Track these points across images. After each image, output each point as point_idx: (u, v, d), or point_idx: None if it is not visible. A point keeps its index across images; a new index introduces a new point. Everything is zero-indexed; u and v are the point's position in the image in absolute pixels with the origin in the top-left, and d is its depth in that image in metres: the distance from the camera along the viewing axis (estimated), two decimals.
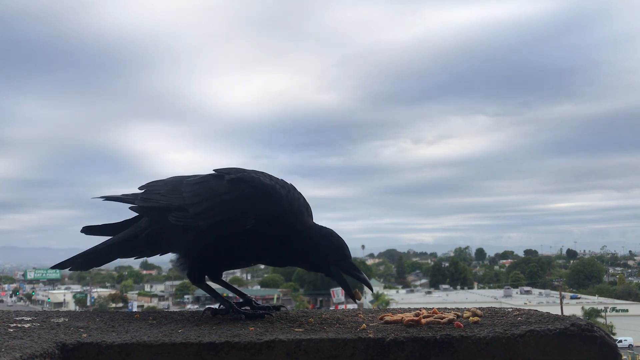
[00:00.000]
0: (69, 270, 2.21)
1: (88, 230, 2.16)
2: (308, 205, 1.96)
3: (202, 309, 1.95)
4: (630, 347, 38.38)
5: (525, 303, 50.14)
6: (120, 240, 2.06)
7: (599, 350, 1.39)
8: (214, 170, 2.00)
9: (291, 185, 1.96)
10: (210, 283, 2.04)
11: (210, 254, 1.91)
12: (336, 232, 1.90)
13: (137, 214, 2.07)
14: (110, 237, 2.10)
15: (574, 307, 46.39)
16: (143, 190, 2.06)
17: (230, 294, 2.11)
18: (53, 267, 2.25)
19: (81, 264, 2.15)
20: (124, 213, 2.11)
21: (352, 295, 1.85)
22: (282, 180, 1.95)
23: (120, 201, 2.08)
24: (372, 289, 2.08)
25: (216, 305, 1.91)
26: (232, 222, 1.82)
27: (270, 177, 1.94)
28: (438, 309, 1.78)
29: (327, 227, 1.92)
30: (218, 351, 1.39)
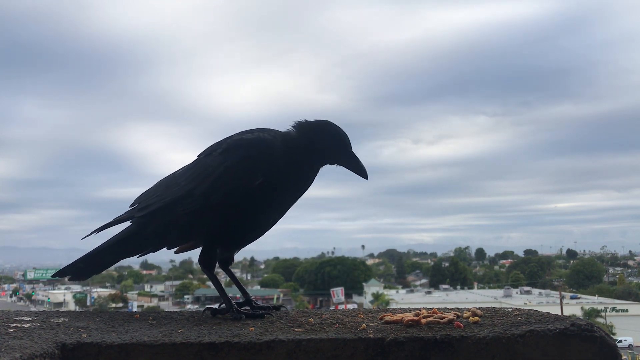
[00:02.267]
0: (68, 279, 2.15)
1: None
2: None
3: (202, 309, 1.96)
4: (630, 347, 38.34)
5: (525, 303, 50.08)
6: (123, 237, 2.01)
7: (599, 350, 1.39)
8: (197, 155, 2.04)
9: (263, 128, 2.01)
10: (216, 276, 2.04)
11: (232, 227, 1.91)
12: (333, 122, 1.99)
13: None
14: (110, 239, 2.04)
15: (574, 307, 46.33)
16: (136, 205, 2.03)
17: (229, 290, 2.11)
18: (53, 276, 2.24)
19: (81, 271, 2.10)
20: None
21: (365, 174, 1.99)
22: (257, 128, 2.00)
23: (115, 224, 2.03)
24: (366, 176, 2.02)
25: (216, 306, 1.92)
26: (242, 185, 1.84)
27: (249, 131, 1.99)
28: (438, 309, 1.78)
29: (323, 119, 2.00)
30: (218, 351, 1.39)
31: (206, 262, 1.95)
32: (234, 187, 1.85)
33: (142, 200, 2.02)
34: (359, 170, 2.01)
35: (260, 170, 1.85)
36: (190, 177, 1.93)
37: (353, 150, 2.01)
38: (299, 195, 2.01)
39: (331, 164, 2.03)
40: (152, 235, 1.98)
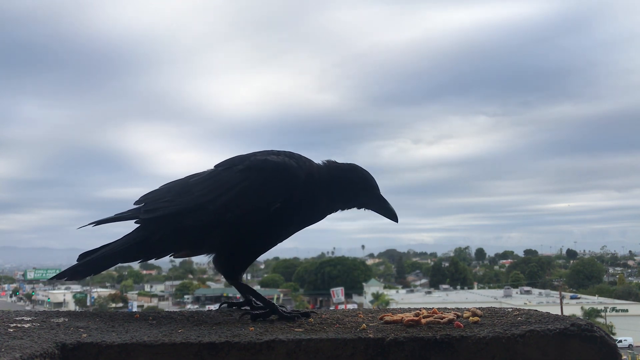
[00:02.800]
0: (65, 281, 2.09)
1: (85, 257, 2.01)
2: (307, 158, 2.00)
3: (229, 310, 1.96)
4: (630, 347, 38.34)
5: (525, 303, 50.08)
6: (128, 245, 1.94)
7: (599, 350, 1.39)
8: (214, 166, 1.98)
9: (288, 152, 1.97)
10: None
11: (243, 245, 1.89)
12: (359, 165, 2.00)
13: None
14: (113, 242, 1.98)
15: (574, 307, 46.32)
16: (142, 204, 1.96)
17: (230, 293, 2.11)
18: (51, 279, 2.21)
19: (79, 274, 2.03)
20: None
21: (395, 218, 1.98)
22: (283, 151, 1.97)
23: (114, 221, 1.97)
24: (397, 220, 2.01)
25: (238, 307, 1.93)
26: (258, 209, 1.82)
27: (274, 152, 1.94)
28: (438, 309, 1.78)
29: (350, 162, 2.00)
30: (218, 351, 1.39)
31: (229, 273, 1.93)
32: (249, 208, 1.81)
33: (149, 202, 1.95)
34: (388, 213, 1.99)
35: (279, 197, 1.82)
36: (206, 189, 1.87)
37: (381, 193, 2.00)
38: (306, 226, 2.00)
39: (358, 208, 2.02)
40: (159, 243, 1.92)
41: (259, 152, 1.97)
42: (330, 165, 1.98)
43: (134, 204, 2.00)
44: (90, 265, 2.01)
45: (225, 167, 1.93)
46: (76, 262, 2.02)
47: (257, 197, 1.82)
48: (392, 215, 1.99)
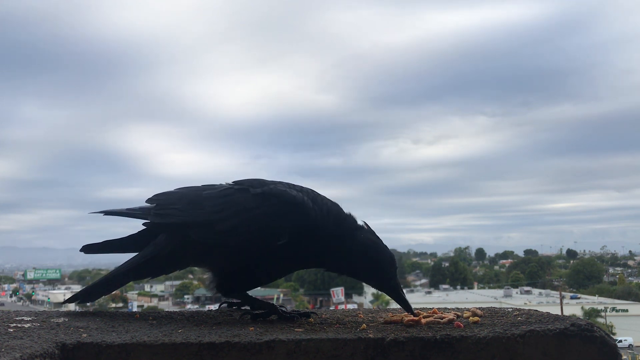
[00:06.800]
0: (76, 304, 2.02)
1: (88, 249, 2.01)
2: (337, 204, 1.88)
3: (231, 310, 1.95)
4: (630, 347, 38.35)
5: (525, 303, 50.15)
6: (140, 263, 1.90)
7: (599, 350, 1.39)
8: (233, 182, 1.93)
9: (312, 190, 1.89)
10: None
11: (241, 270, 1.85)
12: (383, 242, 1.83)
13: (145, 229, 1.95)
14: (125, 262, 1.95)
15: (574, 307, 46.37)
16: (154, 204, 1.92)
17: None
18: (63, 303, 2.21)
19: (91, 295, 2.00)
20: (126, 218, 2.04)
21: (412, 312, 1.70)
22: (305, 188, 1.89)
23: (125, 216, 1.96)
24: (412, 312, 1.71)
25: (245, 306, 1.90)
26: (264, 240, 1.76)
27: (294, 187, 1.87)
28: (438, 309, 1.78)
29: (371, 234, 1.83)
30: (218, 351, 1.39)
31: (223, 292, 1.90)
32: (255, 237, 1.76)
33: (160, 205, 1.90)
34: (403, 304, 1.76)
35: (288, 230, 1.76)
36: (217, 206, 1.81)
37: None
38: (307, 267, 1.92)
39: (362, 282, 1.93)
40: (169, 258, 1.89)
41: (280, 182, 1.90)
42: (364, 231, 1.84)
43: (146, 201, 1.97)
44: (101, 285, 1.99)
45: (241, 187, 1.87)
46: (82, 253, 2.02)
47: (266, 228, 1.77)
48: (407, 308, 1.73)
